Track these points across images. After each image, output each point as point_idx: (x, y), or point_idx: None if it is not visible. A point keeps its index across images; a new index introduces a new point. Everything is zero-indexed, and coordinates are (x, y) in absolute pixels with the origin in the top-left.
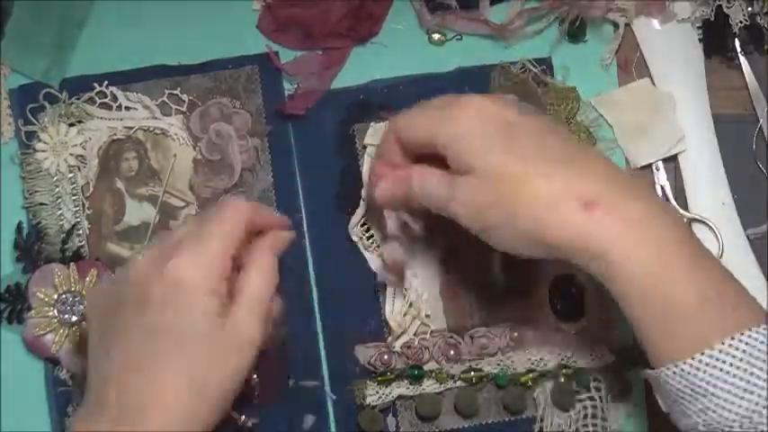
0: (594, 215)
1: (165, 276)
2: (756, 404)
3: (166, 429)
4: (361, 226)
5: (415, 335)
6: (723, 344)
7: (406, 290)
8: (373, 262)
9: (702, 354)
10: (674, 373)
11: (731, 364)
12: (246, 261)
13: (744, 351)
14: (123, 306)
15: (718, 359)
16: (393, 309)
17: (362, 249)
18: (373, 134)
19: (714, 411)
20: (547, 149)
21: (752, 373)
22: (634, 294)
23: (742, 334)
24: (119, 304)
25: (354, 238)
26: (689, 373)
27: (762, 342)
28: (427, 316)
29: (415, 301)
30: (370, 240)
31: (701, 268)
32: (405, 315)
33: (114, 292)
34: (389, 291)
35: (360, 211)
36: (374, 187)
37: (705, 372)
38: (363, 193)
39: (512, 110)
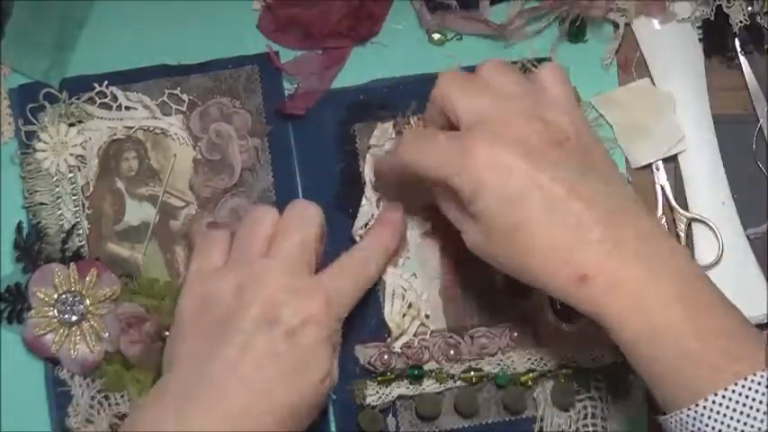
0: (586, 288)
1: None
2: None
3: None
4: (365, 227)
5: (414, 335)
6: (716, 395)
7: (405, 290)
8: None
9: (697, 405)
10: (675, 421)
11: (725, 414)
12: None
13: (737, 402)
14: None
15: (712, 409)
16: (392, 310)
17: None
18: (379, 135)
19: None
20: (551, 207)
21: (745, 423)
22: (630, 354)
23: (735, 385)
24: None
25: (357, 240)
26: (686, 422)
27: (756, 391)
28: (427, 316)
29: (415, 302)
30: None
31: (698, 324)
32: (404, 316)
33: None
34: (388, 292)
35: (363, 215)
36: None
37: (701, 421)
38: (367, 192)
39: (522, 158)
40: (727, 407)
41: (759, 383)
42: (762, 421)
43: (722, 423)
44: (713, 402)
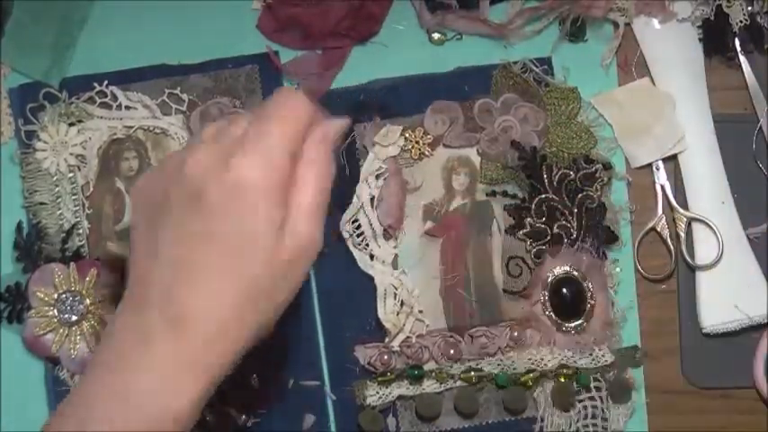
0: None
1: (227, 177)
2: None
3: (207, 341)
4: (352, 223)
5: (411, 332)
6: None
7: (396, 288)
8: (361, 260)
9: None
10: None
11: None
12: (301, 162)
13: None
14: (177, 203)
15: None
16: (385, 309)
17: (351, 247)
18: (384, 134)
19: None
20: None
21: None
22: None
23: None
24: (170, 200)
25: (345, 235)
26: None
27: None
28: (420, 312)
29: (407, 299)
30: (360, 238)
31: None
32: (398, 314)
33: (165, 186)
34: (380, 292)
35: (352, 209)
36: None
37: None
38: (357, 189)
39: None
40: None
41: None
42: None
43: None
44: None
